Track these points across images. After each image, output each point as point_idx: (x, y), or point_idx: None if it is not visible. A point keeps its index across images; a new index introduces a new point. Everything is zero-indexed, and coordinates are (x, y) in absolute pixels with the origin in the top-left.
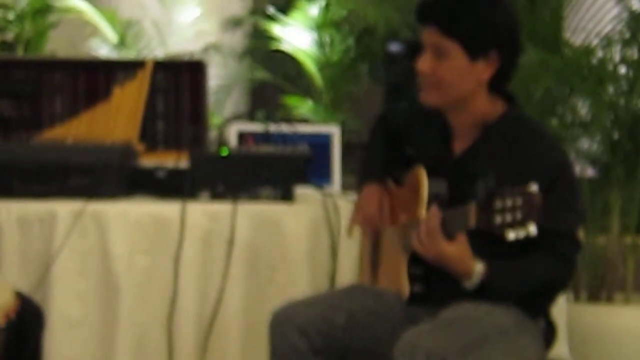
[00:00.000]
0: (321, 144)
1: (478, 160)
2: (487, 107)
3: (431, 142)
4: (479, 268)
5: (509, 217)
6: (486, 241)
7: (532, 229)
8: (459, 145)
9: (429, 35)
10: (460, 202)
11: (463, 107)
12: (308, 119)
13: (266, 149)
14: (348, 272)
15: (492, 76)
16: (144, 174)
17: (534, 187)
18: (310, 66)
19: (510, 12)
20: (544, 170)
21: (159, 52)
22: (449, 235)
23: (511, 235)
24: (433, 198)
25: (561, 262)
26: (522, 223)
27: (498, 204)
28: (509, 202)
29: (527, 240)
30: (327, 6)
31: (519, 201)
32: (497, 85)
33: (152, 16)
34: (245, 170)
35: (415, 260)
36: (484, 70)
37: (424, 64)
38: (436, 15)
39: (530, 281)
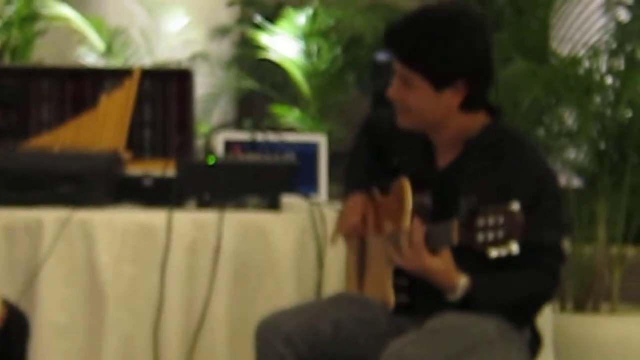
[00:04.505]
0: (308, 153)
1: (461, 176)
2: (467, 124)
3: (415, 155)
4: (463, 282)
5: (491, 236)
6: (470, 256)
7: (514, 248)
8: (443, 159)
9: (395, 64)
10: (444, 215)
11: (439, 129)
12: (295, 128)
13: (253, 157)
14: (335, 281)
15: (463, 101)
16: (131, 183)
17: (515, 206)
18: (298, 75)
19: (475, 36)
20: (528, 184)
21: (146, 60)
22: (433, 250)
23: (494, 253)
24: (418, 209)
25: (546, 275)
26: (504, 242)
27: (480, 222)
28: (491, 221)
29: (512, 256)
30: (315, 15)
31: (501, 220)
32: (472, 106)
33: (139, 25)
34: (232, 179)
35: (400, 270)
36: (452, 98)
37: (393, 91)
38: (398, 48)
39: (515, 295)
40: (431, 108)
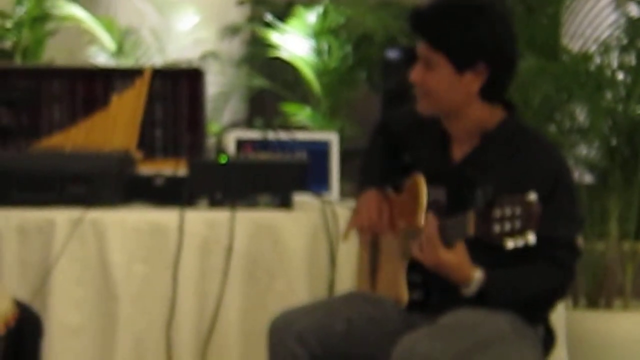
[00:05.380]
0: (319, 151)
1: (477, 168)
2: (484, 115)
3: (430, 149)
4: (477, 276)
5: (507, 226)
6: (485, 249)
7: (531, 238)
8: (458, 153)
9: (420, 46)
10: (459, 210)
11: (457, 116)
12: (306, 126)
13: (264, 156)
14: (347, 279)
15: (483, 86)
16: (142, 182)
17: (532, 196)
18: (308, 73)
19: (500, 23)
20: (543, 178)
21: (157, 59)
22: (448, 243)
23: (510, 244)
24: (432, 205)
25: (560, 270)
26: (521, 232)
27: (497, 212)
28: (507, 211)
29: (526, 249)
30: (325, 13)
31: (518, 210)
32: (491, 95)
33: (150, 24)
34: (243, 178)
35: (413, 267)
36: (472, 81)
37: (415, 74)
38: (423, 27)
39: (529, 289)
40: (451, 90)
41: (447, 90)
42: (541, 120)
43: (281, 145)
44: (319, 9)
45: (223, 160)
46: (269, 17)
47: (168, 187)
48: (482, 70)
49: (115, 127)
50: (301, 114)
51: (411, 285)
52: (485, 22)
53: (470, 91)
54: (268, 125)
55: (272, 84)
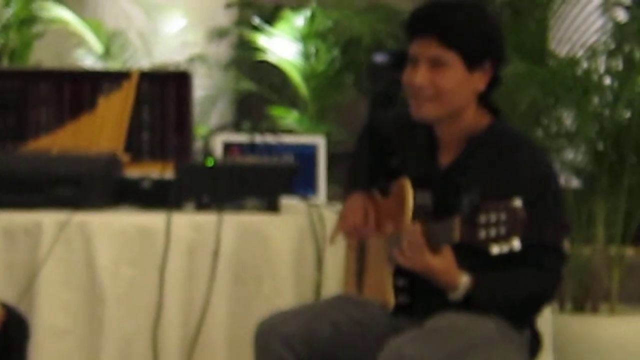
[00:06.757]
0: (306, 154)
1: (464, 174)
2: (475, 119)
3: (417, 154)
4: (464, 280)
5: (493, 232)
6: (471, 254)
7: (516, 244)
8: (445, 158)
9: (425, 47)
10: (445, 215)
11: (455, 119)
12: (293, 129)
13: (252, 159)
14: (333, 283)
15: (485, 86)
16: (129, 185)
17: (517, 202)
18: (296, 77)
19: (498, 23)
20: (530, 183)
21: (144, 62)
22: (434, 248)
23: (495, 249)
24: (418, 210)
25: (546, 274)
26: (506, 238)
27: (482, 218)
28: (493, 217)
29: (513, 253)
30: (313, 17)
31: (503, 216)
32: (486, 97)
33: (137, 27)
34: (230, 181)
35: (400, 271)
36: (479, 80)
37: (421, 77)
38: (435, 25)
39: (516, 294)
40: (461, 90)
41: (457, 90)
42: (528, 125)
43: (268, 149)
44: (307, 13)
45: (210, 163)
46: (256, 21)
47: (155, 190)
48: (488, 69)
49: (102, 130)
50: (288, 117)
51: (397, 289)
52: (492, 21)
53: (475, 91)
54: (255, 129)
55: (259, 88)
